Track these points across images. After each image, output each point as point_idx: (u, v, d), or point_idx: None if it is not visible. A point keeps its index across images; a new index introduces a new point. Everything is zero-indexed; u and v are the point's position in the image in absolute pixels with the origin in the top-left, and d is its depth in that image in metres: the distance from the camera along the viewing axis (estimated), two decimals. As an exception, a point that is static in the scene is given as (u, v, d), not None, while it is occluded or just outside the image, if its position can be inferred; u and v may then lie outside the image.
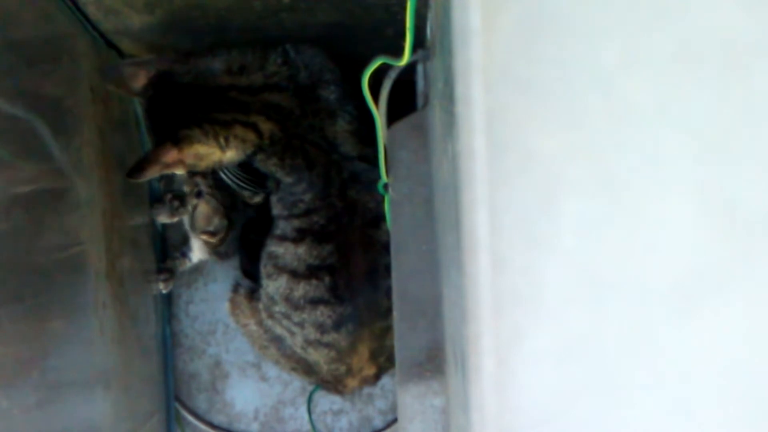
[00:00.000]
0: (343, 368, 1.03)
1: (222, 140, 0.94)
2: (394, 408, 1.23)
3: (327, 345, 1.00)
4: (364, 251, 0.98)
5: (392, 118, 0.79)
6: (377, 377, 1.07)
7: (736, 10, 0.35)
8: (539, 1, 0.36)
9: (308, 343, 1.01)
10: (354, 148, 0.99)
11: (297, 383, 1.25)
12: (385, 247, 0.94)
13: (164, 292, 1.20)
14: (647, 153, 0.37)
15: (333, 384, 1.08)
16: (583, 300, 0.38)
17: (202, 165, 0.96)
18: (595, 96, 0.36)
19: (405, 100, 0.83)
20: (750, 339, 0.38)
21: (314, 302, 0.97)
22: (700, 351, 0.38)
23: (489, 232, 0.38)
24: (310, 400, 1.25)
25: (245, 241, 1.19)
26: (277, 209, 1.01)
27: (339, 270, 0.97)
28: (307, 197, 0.97)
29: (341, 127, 0.99)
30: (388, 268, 0.92)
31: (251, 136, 0.95)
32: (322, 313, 0.97)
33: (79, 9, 0.92)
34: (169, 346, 1.24)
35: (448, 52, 0.44)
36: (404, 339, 0.74)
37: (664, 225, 0.37)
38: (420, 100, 0.84)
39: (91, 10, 0.93)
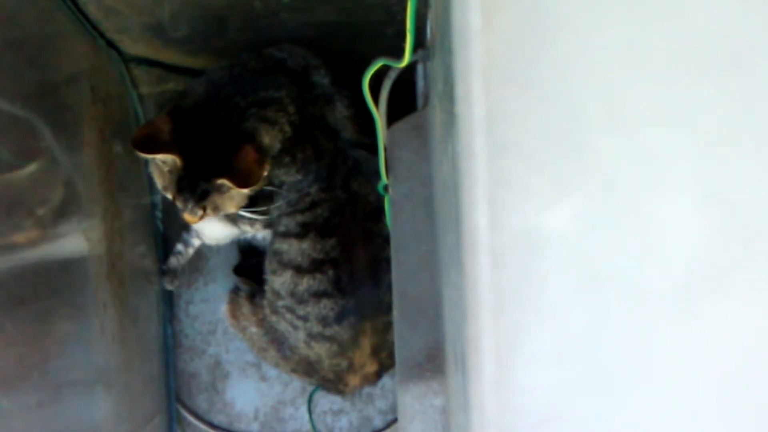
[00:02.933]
0: (344, 363, 1.04)
1: (272, 119, 0.93)
2: (394, 408, 1.23)
3: (329, 338, 1.00)
4: (365, 245, 0.99)
5: (392, 118, 0.79)
6: (378, 375, 1.07)
7: (735, 10, 0.35)
8: (539, 1, 0.36)
9: (311, 336, 1.01)
10: (353, 135, 1.00)
11: (297, 383, 1.25)
12: (386, 241, 0.95)
13: (170, 288, 1.20)
14: (647, 153, 0.37)
15: (334, 383, 1.08)
16: (583, 300, 0.38)
17: (269, 165, 0.94)
18: (595, 96, 0.36)
19: (405, 100, 0.83)
20: (750, 338, 0.38)
21: (318, 295, 0.98)
22: (700, 350, 0.38)
23: (489, 232, 0.38)
24: (310, 400, 1.25)
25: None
26: (279, 209, 1.01)
27: (342, 263, 0.98)
28: (314, 189, 0.98)
29: (341, 113, 0.99)
30: (389, 262, 0.93)
31: (276, 110, 0.95)
32: (325, 306, 0.98)
33: (79, 9, 0.92)
34: (170, 346, 1.24)
35: (448, 52, 0.45)
36: (404, 339, 0.74)
37: (664, 225, 0.37)
38: (420, 100, 0.84)
39: (91, 10, 0.93)
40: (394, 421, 1.22)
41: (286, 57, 0.99)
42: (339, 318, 0.99)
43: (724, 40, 0.35)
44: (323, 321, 0.99)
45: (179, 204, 0.93)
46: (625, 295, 0.38)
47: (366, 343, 1.01)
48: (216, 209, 0.93)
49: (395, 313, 0.77)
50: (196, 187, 0.91)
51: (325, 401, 1.26)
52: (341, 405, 1.26)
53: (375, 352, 1.03)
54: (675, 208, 0.37)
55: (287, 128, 0.95)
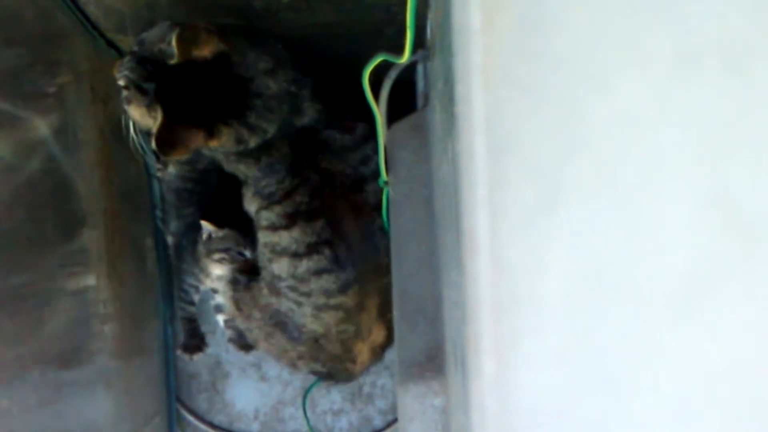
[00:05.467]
0: (352, 329, 1.04)
1: (241, 139, 0.94)
2: (394, 408, 1.23)
3: (336, 307, 1.01)
4: (355, 217, 1.00)
5: (392, 118, 0.79)
6: (385, 345, 1.08)
7: (735, 11, 0.35)
8: (539, 1, 0.36)
9: (318, 309, 1.02)
10: (321, 116, 1.00)
11: (297, 383, 1.25)
12: (375, 209, 0.96)
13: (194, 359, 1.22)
14: (647, 153, 0.37)
15: (342, 360, 1.08)
16: (583, 300, 0.38)
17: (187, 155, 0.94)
18: (595, 96, 0.36)
19: (405, 100, 0.83)
20: (750, 338, 0.38)
21: (318, 273, 0.99)
22: (700, 351, 0.38)
23: (489, 232, 0.38)
24: (305, 399, 1.25)
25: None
26: (254, 205, 1.01)
27: (336, 241, 0.98)
28: (285, 182, 0.98)
29: (309, 116, 0.99)
30: (382, 228, 0.94)
31: (256, 138, 0.95)
32: (327, 281, 0.99)
33: (79, 9, 0.92)
34: (170, 346, 1.24)
35: (448, 52, 0.45)
36: (404, 339, 0.74)
37: (664, 225, 0.37)
38: (420, 100, 0.84)
39: (91, 10, 0.93)
40: (394, 421, 1.22)
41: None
42: (343, 289, 1.00)
43: (724, 41, 0.35)
44: (327, 293, 1.00)
45: (125, 61, 0.91)
46: (625, 295, 0.38)
47: (372, 305, 1.02)
48: (129, 100, 0.91)
49: (395, 313, 0.77)
50: (151, 79, 0.89)
51: (325, 401, 1.26)
52: (341, 405, 1.26)
53: (381, 313, 1.03)
54: (675, 209, 0.37)
55: (250, 144, 0.95)
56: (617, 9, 0.36)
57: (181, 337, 1.22)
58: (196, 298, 1.20)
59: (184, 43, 0.87)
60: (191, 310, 1.22)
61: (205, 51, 0.89)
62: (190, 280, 1.18)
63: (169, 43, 0.88)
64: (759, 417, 0.39)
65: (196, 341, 1.22)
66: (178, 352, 1.22)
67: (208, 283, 1.18)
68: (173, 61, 0.87)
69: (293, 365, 1.14)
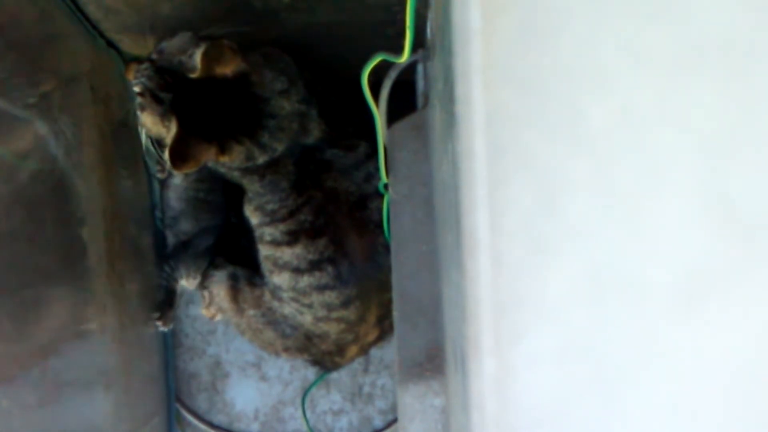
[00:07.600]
0: (350, 336, 1.06)
1: (250, 156, 0.95)
2: (394, 408, 1.23)
3: (337, 320, 1.02)
4: (359, 235, 1.00)
5: (392, 118, 0.79)
6: (375, 343, 1.09)
7: (736, 10, 0.35)
8: (539, 1, 0.36)
9: (318, 319, 1.03)
10: (326, 135, 1.00)
11: (297, 383, 1.25)
12: (378, 226, 0.97)
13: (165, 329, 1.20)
14: (647, 153, 0.37)
15: (332, 355, 1.09)
16: (584, 300, 0.38)
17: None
18: (595, 96, 0.36)
19: (405, 100, 0.83)
20: (751, 339, 0.38)
21: (320, 288, 1.00)
22: (701, 351, 0.38)
23: (489, 232, 0.38)
24: (304, 400, 1.25)
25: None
26: (255, 218, 1.01)
27: (339, 258, 0.99)
28: (289, 201, 0.98)
29: (314, 136, 0.99)
30: (386, 245, 0.95)
31: (264, 156, 0.96)
32: (329, 296, 1.00)
33: (79, 9, 0.92)
34: (170, 346, 1.24)
35: (448, 52, 0.45)
36: (404, 339, 0.74)
37: (664, 225, 0.37)
38: (420, 100, 0.84)
39: (91, 10, 0.93)
40: (394, 421, 1.22)
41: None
42: (345, 304, 1.00)
43: (725, 41, 0.35)
44: (329, 307, 1.01)
45: (143, 68, 0.91)
46: (625, 295, 0.38)
47: (372, 316, 1.04)
48: (143, 107, 0.92)
49: (395, 313, 0.77)
50: (168, 89, 0.89)
51: (325, 401, 1.26)
52: (341, 405, 1.26)
53: (379, 321, 1.05)
54: (676, 208, 0.37)
55: (258, 161, 0.95)
56: (617, 9, 0.36)
57: (157, 298, 1.18)
58: (181, 282, 1.19)
59: (208, 59, 0.87)
60: (176, 285, 1.20)
61: (228, 69, 0.89)
62: (182, 271, 1.17)
63: (191, 56, 0.88)
64: (759, 417, 0.39)
65: (172, 313, 1.20)
66: (154, 315, 1.18)
67: (189, 283, 1.17)
68: (194, 75, 0.88)
69: (276, 353, 1.14)
